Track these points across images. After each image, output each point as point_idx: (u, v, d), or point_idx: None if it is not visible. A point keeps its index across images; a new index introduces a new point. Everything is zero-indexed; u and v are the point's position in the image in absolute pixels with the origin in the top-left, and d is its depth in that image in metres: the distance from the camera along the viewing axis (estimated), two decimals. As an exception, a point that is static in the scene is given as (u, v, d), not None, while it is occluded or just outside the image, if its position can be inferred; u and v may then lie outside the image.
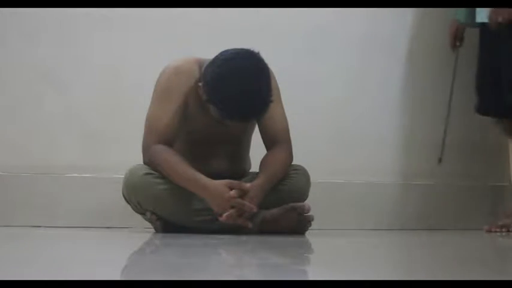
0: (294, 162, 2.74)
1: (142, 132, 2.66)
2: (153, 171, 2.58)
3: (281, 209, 2.61)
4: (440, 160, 3.06)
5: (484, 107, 3.06)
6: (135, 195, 2.60)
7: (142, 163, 2.63)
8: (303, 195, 2.70)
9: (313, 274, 1.43)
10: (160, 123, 2.60)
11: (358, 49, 3.27)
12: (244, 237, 2.42)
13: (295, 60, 3.34)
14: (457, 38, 3.10)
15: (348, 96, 3.36)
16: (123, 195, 2.66)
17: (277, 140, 2.69)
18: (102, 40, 3.19)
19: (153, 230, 2.72)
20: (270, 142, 2.71)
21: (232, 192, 2.50)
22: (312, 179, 2.75)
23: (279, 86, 2.75)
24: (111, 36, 3.20)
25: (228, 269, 1.48)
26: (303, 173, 2.72)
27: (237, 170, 2.75)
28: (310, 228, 2.67)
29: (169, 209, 2.59)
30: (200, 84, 2.56)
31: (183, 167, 2.54)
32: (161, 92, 2.64)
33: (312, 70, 3.35)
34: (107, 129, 3.15)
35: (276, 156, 2.66)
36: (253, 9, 3.16)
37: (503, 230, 2.76)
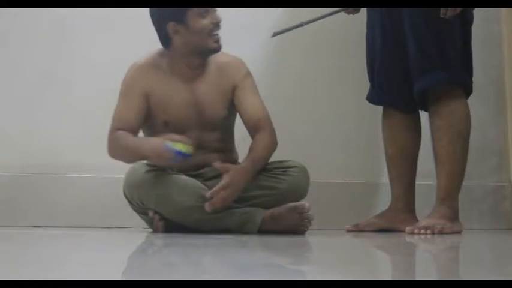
0: (293, 161, 2.75)
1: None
2: (154, 169, 2.60)
3: (281, 208, 2.61)
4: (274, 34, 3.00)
5: (382, 97, 3.00)
6: (138, 194, 2.61)
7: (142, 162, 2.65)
8: (302, 193, 2.71)
9: (313, 274, 1.43)
10: (119, 115, 2.70)
11: (357, 49, 3.27)
12: (244, 237, 2.42)
13: (295, 61, 3.35)
14: None
15: (348, 97, 3.37)
16: (124, 195, 2.66)
17: (260, 127, 2.75)
18: (102, 40, 3.19)
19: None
20: (253, 130, 2.76)
21: (208, 194, 2.56)
22: (311, 179, 2.75)
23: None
24: (111, 36, 3.20)
25: (228, 269, 1.48)
26: (302, 171, 2.72)
27: (226, 160, 2.74)
28: (310, 228, 2.67)
29: (171, 207, 2.59)
30: (173, 23, 2.68)
31: (126, 138, 2.64)
32: (124, 89, 2.76)
33: (311, 70, 3.36)
34: (107, 129, 3.15)
35: (260, 142, 2.72)
36: (250, 9, 3.16)
37: (427, 231, 2.72)
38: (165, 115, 2.72)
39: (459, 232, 2.82)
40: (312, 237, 2.54)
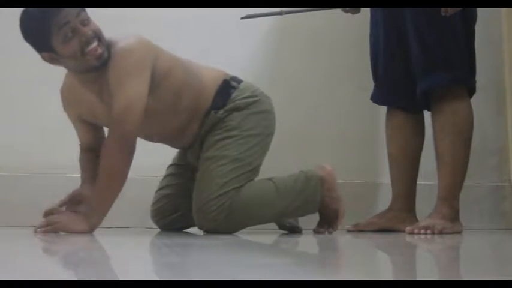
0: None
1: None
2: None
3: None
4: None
5: (386, 97, 3.00)
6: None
7: None
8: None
9: (313, 274, 1.43)
10: None
11: (357, 47, 3.27)
12: (244, 237, 2.42)
13: (293, 59, 3.35)
14: None
15: (348, 96, 3.37)
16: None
17: (112, 123, 2.43)
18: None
19: (152, 230, 2.71)
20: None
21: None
22: (312, 179, 2.75)
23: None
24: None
25: (227, 269, 1.48)
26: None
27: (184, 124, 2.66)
28: (310, 227, 2.70)
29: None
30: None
31: None
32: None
33: (312, 69, 3.36)
34: (106, 129, 3.15)
35: (102, 159, 2.40)
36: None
37: (428, 231, 2.72)
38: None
39: (459, 232, 2.82)
40: (312, 237, 2.54)
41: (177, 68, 2.59)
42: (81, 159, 2.68)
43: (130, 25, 3.18)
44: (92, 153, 2.64)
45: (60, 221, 2.40)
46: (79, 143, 2.69)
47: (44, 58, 2.50)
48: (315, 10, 2.96)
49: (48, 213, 2.48)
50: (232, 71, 2.74)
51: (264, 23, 3.21)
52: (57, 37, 2.41)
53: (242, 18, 2.89)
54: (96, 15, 3.14)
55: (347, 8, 2.95)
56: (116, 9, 3.09)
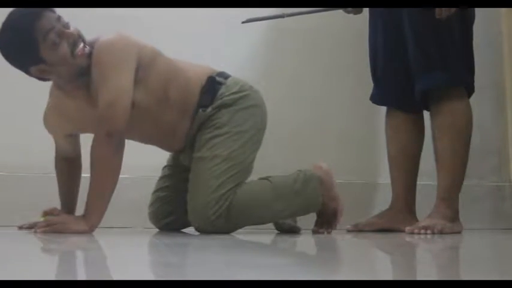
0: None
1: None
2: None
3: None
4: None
5: (385, 97, 3.00)
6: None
7: None
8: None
9: (313, 274, 1.43)
10: None
11: (356, 47, 3.27)
12: (243, 238, 2.42)
13: (292, 59, 3.35)
14: None
15: (347, 96, 3.37)
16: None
17: (98, 120, 2.38)
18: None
19: (151, 230, 2.71)
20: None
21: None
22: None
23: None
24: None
25: (227, 269, 1.48)
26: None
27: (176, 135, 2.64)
28: (309, 227, 2.70)
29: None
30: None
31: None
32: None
33: (311, 69, 3.36)
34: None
35: (91, 157, 2.40)
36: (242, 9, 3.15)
37: (427, 231, 2.72)
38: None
39: (459, 232, 2.82)
40: (311, 237, 2.54)
41: (160, 60, 2.57)
42: (56, 168, 2.70)
43: (129, 25, 3.18)
44: (67, 162, 2.67)
45: (60, 222, 2.40)
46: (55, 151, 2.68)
47: (33, 74, 2.46)
48: (316, 12, 2.95)
49: (47, 214, 2.48)
50: (231, 70, 2.74)
51: (263, 22, 3.21)
52: (45, 45, 2.38)
53: (243, 22, 2.89)
54: (96, 15, 3.16)
55: (349, 9, 2.95)
56: (115, 9, 3.10)
